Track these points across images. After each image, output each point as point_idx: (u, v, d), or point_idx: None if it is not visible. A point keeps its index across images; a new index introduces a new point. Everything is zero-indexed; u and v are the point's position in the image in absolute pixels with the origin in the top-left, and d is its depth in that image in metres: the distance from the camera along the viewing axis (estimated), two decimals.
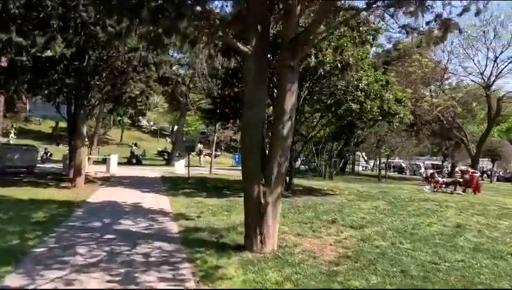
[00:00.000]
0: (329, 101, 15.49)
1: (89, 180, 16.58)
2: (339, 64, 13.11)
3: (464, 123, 34.98)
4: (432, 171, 28.56)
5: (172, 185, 16.84)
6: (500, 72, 30.83)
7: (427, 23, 5.92)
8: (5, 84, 14.16)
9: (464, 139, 33.45)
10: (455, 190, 20.51)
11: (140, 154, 36.77)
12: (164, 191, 14.89)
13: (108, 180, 17.84)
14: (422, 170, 43.10)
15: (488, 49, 30.57)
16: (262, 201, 6.70)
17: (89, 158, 21.43)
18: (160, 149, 43.77)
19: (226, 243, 7.35)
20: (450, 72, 34.23)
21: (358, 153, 43.97)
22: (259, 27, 6.63)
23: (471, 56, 31.94)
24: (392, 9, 6.17)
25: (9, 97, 26.21)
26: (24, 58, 12.79)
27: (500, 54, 30.39)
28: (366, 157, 51.66)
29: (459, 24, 5.76)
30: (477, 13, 6.02)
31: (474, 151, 32.40)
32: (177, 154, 33.67)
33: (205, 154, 41.42)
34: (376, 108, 14.55)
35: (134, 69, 15.38)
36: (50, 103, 17.14)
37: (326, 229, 8.90)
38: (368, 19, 13.33)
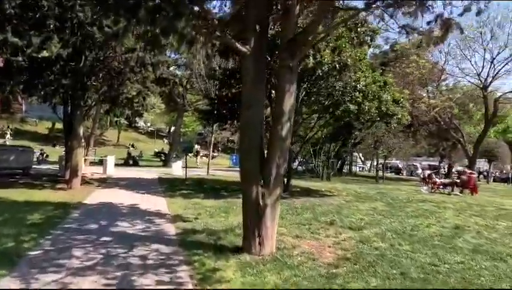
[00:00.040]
0: (327, 102, 15.44)
1: (85, 181, 16.46)
2: (337, 65, 13.09)
3: (461, 124, 35.07)
4: (429, 172, 28.60)
5: (170, 187, 16.74)
6: (497, 73, 30.90)
7: (428, 23, 5.89)
8: (1, 84, 14.03)
9: (461, 140, 33.53)
10: (453, 190, 20.55)
11: (137, 155, 36.65)
12: (161, 193, 14.80)
13: (105, 182, 17.72)
14: (419, 171, 43.20)
15: (485, 50, 30.61)
16: (261, 203, 6.64)
17: (85, 159, 21.35)
18: (157, 150, 43.67)
19: (224, 245, 7.28)
20: (447, 73, 34.35)
21: (355, 154, 44.03)
22: (257, 27, 6.58)
23: (468, 57, 31.95)
24: (391, 10, 6.11)
25: (5, 98, 26.09)
26: (20, 59, 12.66)
27: (497, 55, 30.45)
28: (363, 158, 51.74)
29: (460, 24, 5.72)
30: (478, 13, 6.00)
31: (471, 152, 32.47)
32: (174, 156, 33.59)
33: (202, 155, 41.31)
34: (374, 109, 14.53)
35: (131, 70, 15.28)
36: (46, 104, 16.96)
37: (324, 231, 8.85)
38: (366, 19, 13.33)
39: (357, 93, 14.18)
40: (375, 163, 40.39)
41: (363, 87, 14.21)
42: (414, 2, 5.68)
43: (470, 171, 22.91)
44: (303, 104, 15.82)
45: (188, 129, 51.91)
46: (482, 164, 46.04)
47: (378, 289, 5.42)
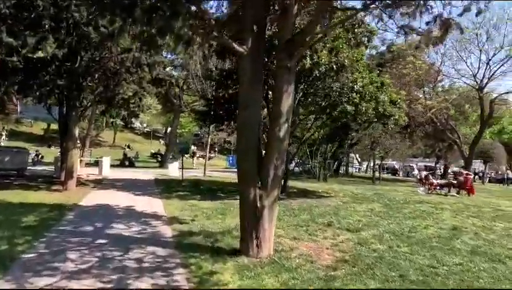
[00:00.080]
0: (324, 103, 15.41)
1: (80, 182, 16.34)
2: (334, 66, 13.05)
3: (457, 125, 35.19)
4: (425, 172, 28.67)
5: (166, 188, 16.64)
6: (493, 74, 31.09)
7: (427, 23, 5.85)
8: None
9: (457, 141, 33.64)
10: (449, 191, 20.57)
11: (133, 156, 36.50)
12: (157, 194, 14.70)
13: (101, 183, 17.59)
14: (416, 172, 43.32)
15: (480, 51, 30.81)
16: (259, 204, 6.57)
17: (81, 160, 21.19)
18: (153, 151, 43.48)
19: (221, 247, 7.21)
20: (443, 74, 34.45)
21: (351, 154, 44.05)
22: (255, 27, 6.51)
23: (464, 58, 32.18)
24: (390, 10, 6.06)
25: None
26: (15, 59, 12.55)
27: (493, 56, 30.65)
28: (359, 159, 51.81)
29: (460, 24, 5.69)
30: (478, 13, 5.97)
31: (467, 153, 32.58)
32: (170, 157, 33.45)
33: (199, 156, 41.21)
34: (371, 110, 14.51)
35: (127, 70, 15.18)
36: (41, 105, 16.85)
37: (322, 233, 8.79)
38: (363, 20, 13.31)
39: (354, 94, 14.15)
40: (371, 164, 40.43)
41: (360, 88, 14.19)
42: (413, 2, 5.64)
43: (467, 172, 22.96)
44: (300, 105, 15.77)
45: (184, 130, 51.78)
46: (477, 165, 46.23)
47: None
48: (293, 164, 31.31)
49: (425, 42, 6.09)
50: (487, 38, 30.18)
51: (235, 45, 6.43)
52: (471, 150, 32.30)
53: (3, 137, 34.76)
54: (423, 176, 23.76)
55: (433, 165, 46.58)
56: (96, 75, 15.08)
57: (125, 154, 34.29)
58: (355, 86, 14.12)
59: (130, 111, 29.22)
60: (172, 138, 37.20)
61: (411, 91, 30.05)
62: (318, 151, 30.55)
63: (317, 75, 13.52)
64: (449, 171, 41.18)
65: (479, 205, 14.98)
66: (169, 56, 24.77)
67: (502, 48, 29.89)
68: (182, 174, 20.45)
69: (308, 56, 12.37)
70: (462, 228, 10.04)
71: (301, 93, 14.84)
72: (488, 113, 31.37)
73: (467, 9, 5.70)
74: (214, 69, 21.21)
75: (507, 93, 33.91)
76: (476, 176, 41.89)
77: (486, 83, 31.54)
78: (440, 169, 43.71)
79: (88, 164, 26.47)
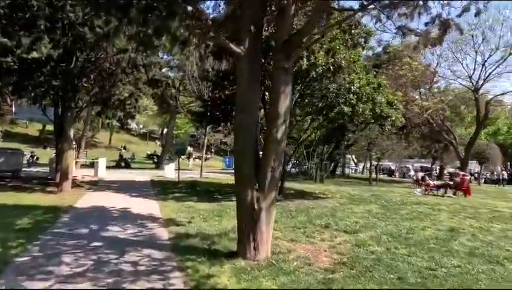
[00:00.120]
0: (321, 104, 15.39)
1: (76, 184, 16.21)
2: (331, 67, 13.02)
3: (453, 126, 35.31)
4: (421, 173, 28.69)
5: (162, 189, 16.55)
6: (488, 75, 31.25)
7: (426, 24, 5.81)
8: None
9: (453, 141, 33.73)
10: (446, 192, 20.58)
11: (130, 157, 36.34)
12: (154, 196, 14.60)
13: (96, 185, 17.46)
14: (412, 173, 43.38)
15: (476, 53, 30.94)
16: (256, 206, 6.51)
17: (76, 162, 21.01)
18: (149, 152, 43.32)
19: (218, 250, 7.13)
20: (439, 76, 34.55)
21: (348, 156, 44.09)
22: (252, 28, 6.46)
23: (460, 60, 32.21)
24: (388, 11, 6.03)
25: None
26: (9, 60, 12.44)
27: (488, 57, 30.80)
28: (356, 160, 51.88)
29: (460, 24, 5.66)
30: (477, 14, 5.94)
31: (463, 154, 32.68)
32: (167, 158, 33.33)
33: (195, 158, 41.08)
34: (368, 111, 14.50)
35: (123, 71, 15.07)
36: (36, 106, 16.70)
37: (320, 234, 8.74)
38: (359, 21, 13.30)
39: (351, 95, 14.14)
40: (368, 165, 40.46)
41: (357, 89, 14.18)
42: (411, 3, 5.60)
43: (463, 173, 23.00)
44: (297, 106, 15.74)
45: (180, 131, 51.63)
46: (473, 166, 46.38)
47: None
48: (290, 165, 31.31)
49: (424, 43, 6.06)
50: (483, 39, 30.38)
51: (232, 46, 6.37)
52: (467, 151, 32.40)
53: None
54: (420, 177, 23.77)
55: (429, 166, 46.63)
56: (92, 76, 14.97)
57: (121, 156, 34.13)
58: (352, 87, 14.11)
59: (126, 112, 28.95)
60: (168, 139, 37.07)
61: (407, 92, 30.08)
62: (315, 153, 30.55)
63: (314, 76, 13.51)
64: (445, 172, 41.29)
65: (475, 206, 15.00)
66: (165, 57, 24.73)
67: (497, 49, 30.10)
68: (179, 175, 20.35)
69: (305, 57, 12.34)
70: (459, 230, 10.03)
71: (298, 95, 14.81)
72: (483, 114, 31.50)
73: (466, 9, 5.67)
74: (210, 70, 21.10)
75: (502, 94, 34.21)
76: (472, 177, 42.04)
77: (482, 84, 31.70)
78: (436, 170, 43.80)
79: (84, 165, 26.28)
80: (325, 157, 31.38)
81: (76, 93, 14.64)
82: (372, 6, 6.26)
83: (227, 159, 40.37)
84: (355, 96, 14.17)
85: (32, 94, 14.32)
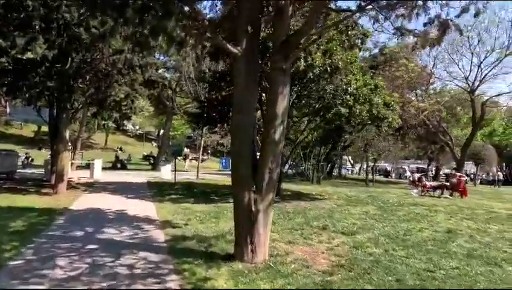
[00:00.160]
0: (318, 105, 15.36)
1: (71, 186, 16.07)
2: (328, 68, 13.01)
3: (449, 127, 35.39)
4: (418, 174, 28.75)
5: (159, 191, 16.45)
6: (484, 77, 31.32)
7: (425, 24, 5.78)
8: None
9: (449, 143, 33.80)
10: (442, 193, 20.58)
11: (126, 159, 36.12)
12: (150, 197, 14.51)
13: (92, 186, 17.33)
14: (408, 174, 43.51)
15: (472, 54, 31.03)
16: (253, 208, 6.45)
17: (71, 163, 20.90)
18: (145, 154, 43.10)
19: (215, 252, 7.07)
20: (435, 77, 34.63)
21: (344, 157, 44.12)
22: (249, 28, 6.41)
23: (456, 61, 32.29)
24: (385, 11, 5.99)
25: None
26: (4, 60, 12.33)
27: (484, 59, 30.88)
28: (352, 161, 51.94)
29: (459, 25, 5.63)
30: (477, 14, 5.92)
31: (459, 155, 32.77)
32: (163, 159, 33.18)
33: (191, 159, 40.94)
34: (365, 112, 14.48)
35: (119, 72, 14.97)
36: (31, 107, 16.56)
37: (317, 236, 8.70)
38: (356, 22, 13.29)
39: (348, 97, 14.12)
40: (364, 166, 40.50)
41: (354, 90, 14.16)
42: (409, 3, 5.57)
43: (460, 174, 23.03)
44: (294, 107, 15.69)
45: (177, 132, 51.47)
46: (469, 167, 46.55)
47: None
48: (287, 166, 31.27)
49: (423, 43, 6.04)
50: (478, 41, 30.48)
51: (229, 46, 6.32)
52: (463, 152, 32.49)
53: None
54: (416, 178, 23.79)
55: (425, 167, 46.78)
56: (88, 77, 14.85)
57: (117, 157, 33.94)
58: (349, 88, 14.09)
59: (122, 113, 28.79)
60: (165, 141, 36.94)
61: (404, 93, 30.14)
62: (311, 154, 30.52)
63: (311, 77, 13.48)
64: (441, 173, 41.40)
65: (472, 207, 15.00)
66: (161, 58, 24.58)
67: (493, 50, 30.20)
68: (175, 176, 20.25)
69: (302, 58, 12.31)
70: (457, 231, 10.01)
71: (295, 96, 14.77)
72: (479, 116, 31.59)
73: (465, 10, 5.64)
74: (207, 70, 21.05)
75: (498, 95, 34.31)
76: (468, 178, 42.18)
77: (478, 86, 31.78)
78: (432, 171, 43.94)
79: (79, 167, 26.15)
80: (321, 159, 31.36)
81: (71, 94, 14.52)
82: (370, 7, 6.23)
83: (223, 160, 40.26)
84: (352, 98, 14.16)
85: (27, 95, 14.18)
